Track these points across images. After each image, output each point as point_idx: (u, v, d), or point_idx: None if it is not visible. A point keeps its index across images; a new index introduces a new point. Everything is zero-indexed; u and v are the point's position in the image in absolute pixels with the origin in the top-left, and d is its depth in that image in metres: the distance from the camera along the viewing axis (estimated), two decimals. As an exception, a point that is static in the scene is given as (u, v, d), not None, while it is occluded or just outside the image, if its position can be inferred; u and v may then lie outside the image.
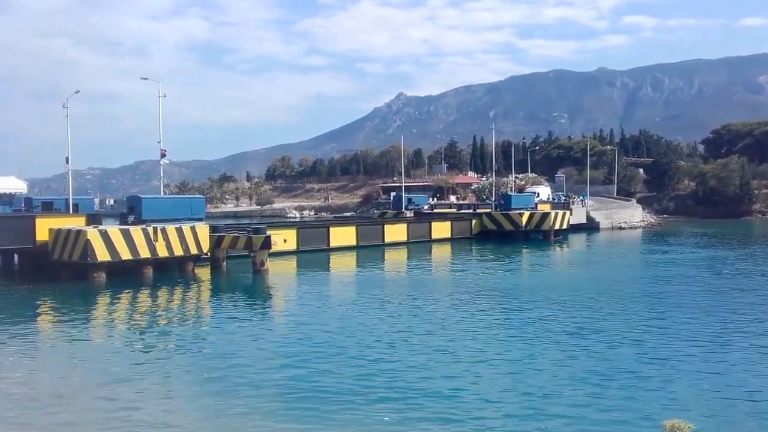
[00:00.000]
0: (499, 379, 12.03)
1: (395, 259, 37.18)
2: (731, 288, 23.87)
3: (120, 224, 29.74)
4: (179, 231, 28.93)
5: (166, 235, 28.39)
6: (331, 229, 40.98)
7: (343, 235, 41.05)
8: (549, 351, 14.04)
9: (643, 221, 69.99)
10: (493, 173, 76.54)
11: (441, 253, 40.27)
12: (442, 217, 52.77)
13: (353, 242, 41.29)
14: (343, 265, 34.02)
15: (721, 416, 10.03)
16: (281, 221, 65.03)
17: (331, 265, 34.29)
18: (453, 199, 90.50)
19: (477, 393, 11.17)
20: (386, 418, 9.95)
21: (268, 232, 30.54)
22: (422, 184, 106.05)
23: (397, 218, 52.31)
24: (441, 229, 48.17)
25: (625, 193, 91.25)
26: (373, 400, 10.78)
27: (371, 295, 22.64)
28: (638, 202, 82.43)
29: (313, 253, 37.90)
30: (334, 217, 76.79)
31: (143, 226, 28.13)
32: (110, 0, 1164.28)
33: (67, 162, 34.36)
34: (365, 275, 29.75)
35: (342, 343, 14.87)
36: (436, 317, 18.20)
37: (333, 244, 39.85)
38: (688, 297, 21.55)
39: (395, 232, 44.61)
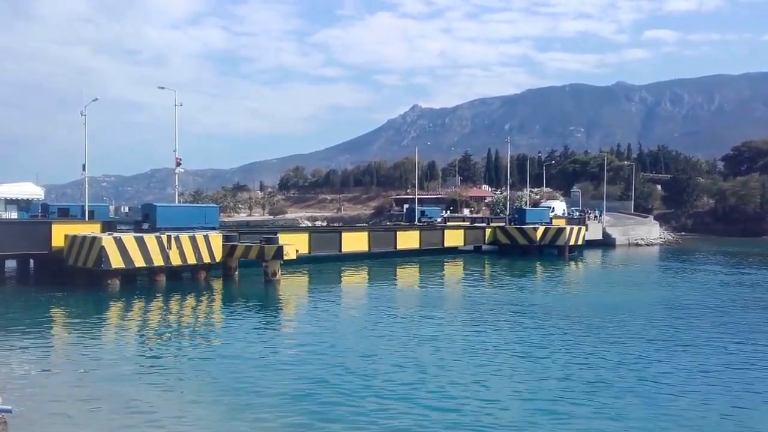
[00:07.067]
0: (529, 408, 11.63)
1: (407, 275, 36.66)
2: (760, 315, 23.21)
3: (134, 232, 29.82)
4: (192, 239, 28.95)
5: (180, 243, 28.42)
6: (343, 234, 40.62)
7: (355, 241, 40.68)
8: (581, 374, 13.65)
9: (661, 238, 69.09)
10: (508, 187, 76.15)
11: (454, 270, 39.54)
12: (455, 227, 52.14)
13: (365, 248, 40.98)
14: (355, 280, 33.64)
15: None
16: (294, 228, 64.78)
17: (342, 279, 33.90)
18: (466, 212, 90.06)
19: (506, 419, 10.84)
20: None
21: (281, 239, 30.44)
22: (436, 196, 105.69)
23: (410, 225, 51.78)
24: (454, 237, 47.66)
25: (642, 210, 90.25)
26: (391, 421, 10.49)
27: (384, 312, 22.37)
28: (655, 218, 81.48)
29: (324, 262, 37.56)
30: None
31: (157, 233, 28.19)
32: (130, 8, 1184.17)
33: (84, 169, 34.56)
34: (377, 291, 29.38)
35: (354, 361, 14.61)
36: (452, 337, 17.86)
37: (345, 249, 39.55)
38: (727, 322, 20.95)
39: (407, 238, 44.19)
